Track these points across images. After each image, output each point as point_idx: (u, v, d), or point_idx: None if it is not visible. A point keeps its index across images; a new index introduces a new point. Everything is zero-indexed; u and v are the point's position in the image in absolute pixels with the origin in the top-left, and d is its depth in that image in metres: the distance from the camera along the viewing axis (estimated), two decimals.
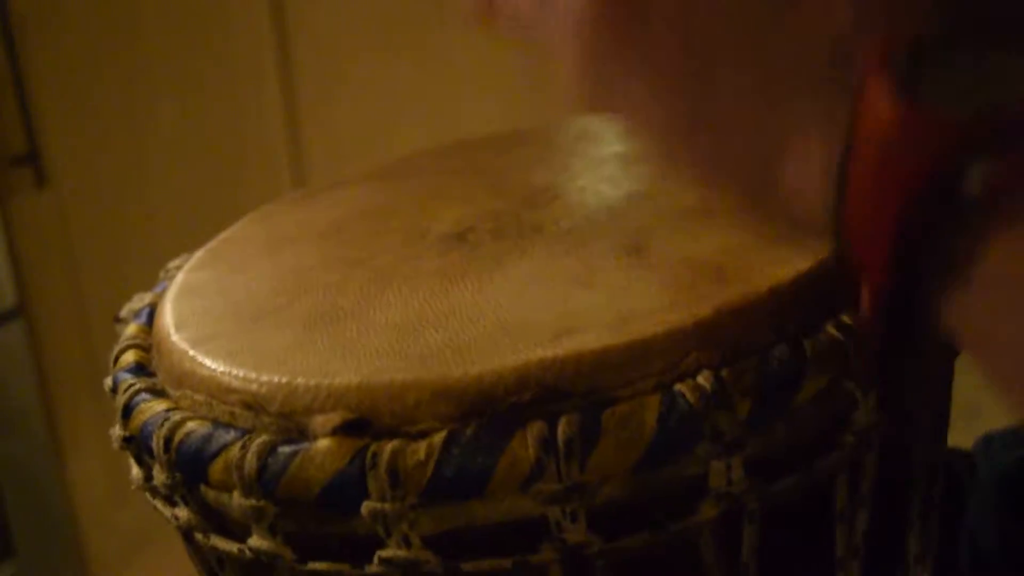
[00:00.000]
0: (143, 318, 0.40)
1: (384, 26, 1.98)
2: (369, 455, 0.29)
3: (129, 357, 0.38)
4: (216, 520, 0.33)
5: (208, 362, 0.34)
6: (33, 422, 1.50)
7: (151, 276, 0.45)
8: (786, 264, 0.32)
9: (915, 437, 0.35)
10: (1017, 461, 0.51)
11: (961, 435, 0.57)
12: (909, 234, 0.20)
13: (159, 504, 0.35)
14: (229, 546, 0.33)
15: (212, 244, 0.45)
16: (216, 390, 0.33)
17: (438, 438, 0.29)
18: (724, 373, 0.29)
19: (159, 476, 0.34)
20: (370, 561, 0.30)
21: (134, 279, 0.49)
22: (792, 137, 0.22)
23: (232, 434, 0.32)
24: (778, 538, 0.32)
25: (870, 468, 0.33)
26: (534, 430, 0.28)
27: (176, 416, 0.33)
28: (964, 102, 0.19)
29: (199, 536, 0.34)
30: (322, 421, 0.30)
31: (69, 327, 1.51)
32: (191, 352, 0.35)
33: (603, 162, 0.45)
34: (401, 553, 0.30)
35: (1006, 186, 0.19)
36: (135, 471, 0.36)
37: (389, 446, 0.29)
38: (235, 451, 0.31)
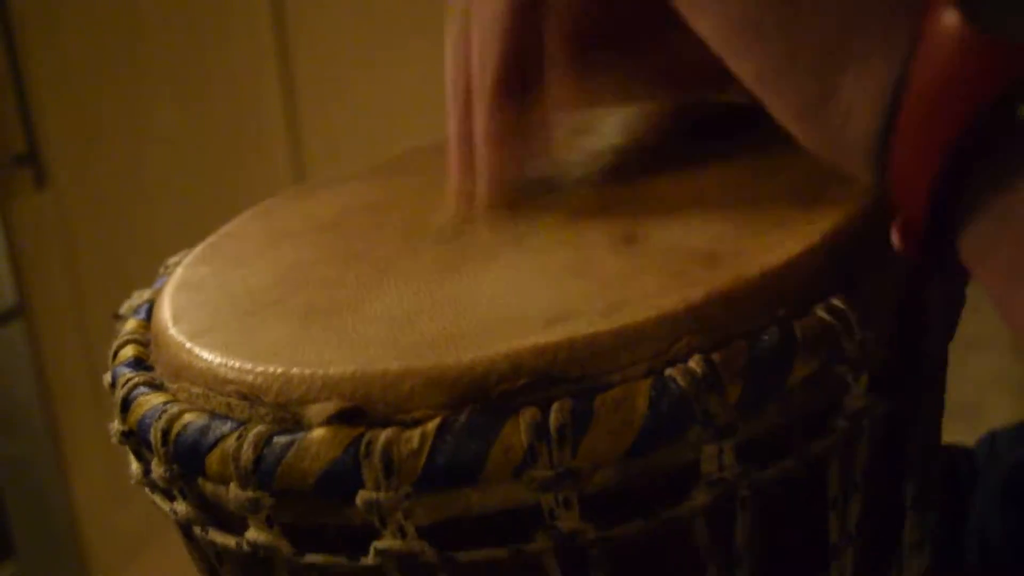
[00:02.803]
0: (142, 313, 0.41)
1: (384, 27, 1.98)
2: (363, 444, 0.29)
3: (128, 352, 0.38)
4: (214, 513, 0.33)
5: (205, 354, 0.34)
6: (33, 422, 1.51)
7: (151, 275, 0.45)
8: (778, 249, 0.32)
9: (910, 422, 0.35)
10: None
11: (963, 434, 0.57)
12: (955, 163, 0.21)
13: (158, 499, 0.35)
14: (227, 540, 0.33)
15: (212, 239, 0.45)
16: (213, 381, 0.33)
17: (431, 426, 0.29)
18: (715, 357, 0.29)
19: (157, 469, 0.34)
20: (366, 553, 0.30)
21: (134, 279, 0.49)
22: (855, 47, 0.22)
23: (229, 425, 0.32)
24: (772, 525, 0.32)
25: (863, 454, 0.33)
26: (527, 416, 0.29)
27: (173, 408, 0.33)
28: None
29: (197, 530, 0.34)
30: (317, 410, 0.30)
31: (69, 327, 1.51)
32: (188, 344, 0.35)
33: (599, 155, 0.45)
34: (396, 544, 0.30)
35: None
36: (134, 466, 0.36)
37: (383, 434, 0.29)
38: (231, 442, 0.31)
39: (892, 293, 0.32)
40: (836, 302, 0.31)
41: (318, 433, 0.30)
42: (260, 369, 0.32)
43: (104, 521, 1.60)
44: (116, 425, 0.36)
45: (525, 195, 0.41)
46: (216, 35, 1.74)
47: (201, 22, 1.72)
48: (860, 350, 0.31)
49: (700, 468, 0.30)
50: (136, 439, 0.35)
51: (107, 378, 0.38)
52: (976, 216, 0.22)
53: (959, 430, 0.57)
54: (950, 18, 0.20)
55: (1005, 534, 0.50)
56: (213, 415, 0.32)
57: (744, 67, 0.25)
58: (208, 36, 1.73)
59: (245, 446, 0.31)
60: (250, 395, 0.32)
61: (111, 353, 0.39)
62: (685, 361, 0.29)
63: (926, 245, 0.23)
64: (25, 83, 1.42)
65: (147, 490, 0.36)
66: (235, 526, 0.33)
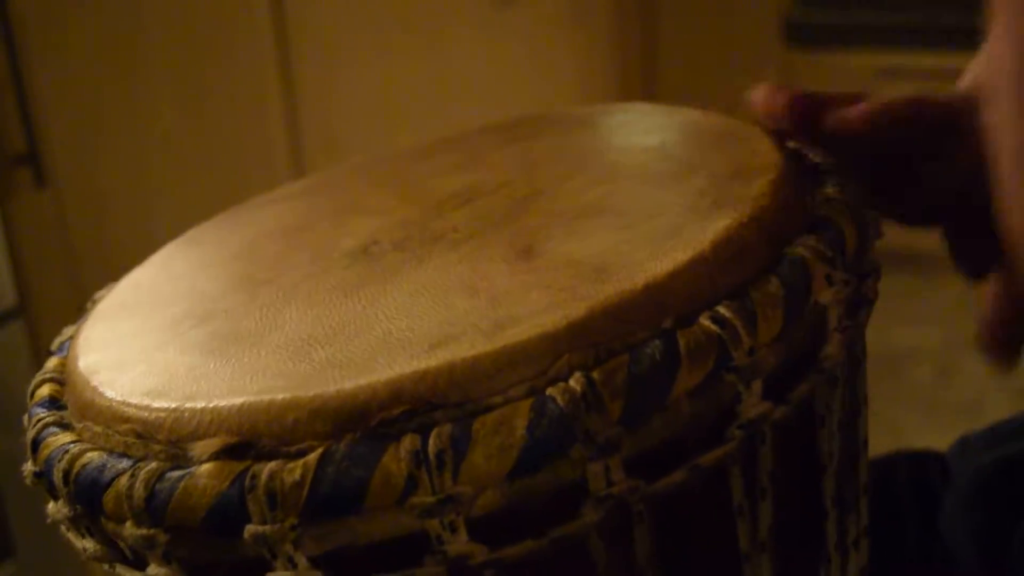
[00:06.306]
0: (63, 351, 0.41)
1: (384, 26, 1.98)
2: (248, 478, 0.29)
3: (44, 391, 0.38)
4: (120, 551, 0.33)
5: (106, 392, 0.34)
6: None
7: None
8: (665, 259, 0.31)
9: (820, 421, 0.34)
10: (994, 462, 0.51)
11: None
12: None
13: (72, 537, 0.35)
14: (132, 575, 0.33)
15: (133, 272, 0.45)
16: (112, 420, 0.33)
17: (313, 457, 0.29)
18: (595, 374, 0.29)
19: (63, 509, 0.34)
20: None
21: None
22: None
23: (124, 463, 0.32)
24: (676, 537, 0.31)
25: (767, 458, 0.32)
26: (406, 443, 0.28)
27: (75, 448, 0.33)
28: None
29: (106, 567, 0.34)
30: (203, 446, 0.30)
31: None
32: (92, 382, 0.35)
33: (520, 164, 0.45)
34: (288, 575, 0.30)
35: None
36: (50, 506, 0.36)
37: (267, 467, 0.29)
38: (124, 481, 0.31)
39: (783, 297, 0.31)
40: (722, 310, 0.30)
41: (205, 468, 0.30)
42: (155, 406, 0.32)
43: None
44: (29, 466, 0.36)
45: (440, 208, 0.41)
46: (216, 35, 1.74)
47: (202, 23, 1.72)
48: (749, 358, 0.30)
49: (588, 486, 0.29)
50: (47, 479, 0.35)
51: (25, 419, 0.38)
52: None
53: (959, 430, 0.57)
54: None
55: (971, 535, 0.50)
56: (111, 454, 0.32)
57: None
58: (208, 37, 1.73)
59: (137, 484, 0.31)
60: (145, 433, 0.32)
61: (28, 392, 0.39)
62: (566, 379, 0.29)
63: None
64: (25, 83, 1.42)
65: (63, 529, 0.36)
66: (139, 562, 0.33)
